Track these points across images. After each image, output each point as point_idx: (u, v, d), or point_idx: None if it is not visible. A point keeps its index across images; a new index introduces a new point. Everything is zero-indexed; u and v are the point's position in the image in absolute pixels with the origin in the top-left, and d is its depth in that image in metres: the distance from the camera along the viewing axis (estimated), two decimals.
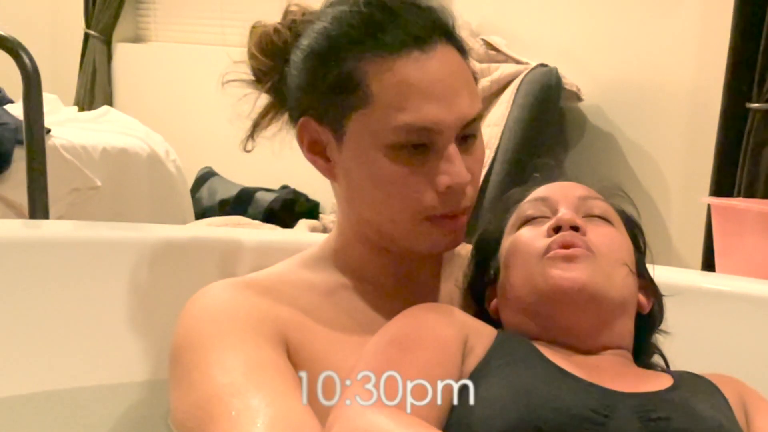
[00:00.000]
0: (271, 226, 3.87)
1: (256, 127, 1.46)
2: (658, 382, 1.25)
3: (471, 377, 1.20)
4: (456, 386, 1.18)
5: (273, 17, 1.45)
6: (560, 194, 1.38)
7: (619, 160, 3.61)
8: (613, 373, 1.24)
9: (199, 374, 1.23)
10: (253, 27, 1.44)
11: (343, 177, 1.38)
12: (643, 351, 1.42)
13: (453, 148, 1.32)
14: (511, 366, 1.20)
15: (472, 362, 1.23)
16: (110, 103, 5.36)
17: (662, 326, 1.45)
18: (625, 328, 1.35)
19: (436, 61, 1.31)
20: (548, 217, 1.35)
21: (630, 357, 1.35)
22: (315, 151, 1.39)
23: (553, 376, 1.19)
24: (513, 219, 1.40)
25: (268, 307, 1.33)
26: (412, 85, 1.29)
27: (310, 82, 1.36)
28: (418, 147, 1.31)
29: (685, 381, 1.28)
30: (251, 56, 1.43)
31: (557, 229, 1.30)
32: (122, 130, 4.22)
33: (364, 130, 1.31)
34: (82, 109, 5.17)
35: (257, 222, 4.02)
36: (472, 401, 1.16)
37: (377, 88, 1.29)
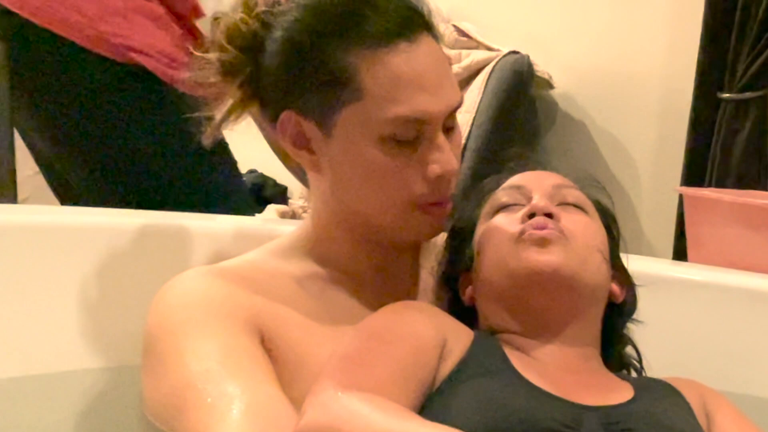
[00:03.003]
0: None
1: (224, 121, 1.42)
2: (623, 393, 1.26)
3: (443, 383, 1.21)
4: (428, 389, 1.19)
5: None
6: (535, 182, 1.39)
7: (591, 149, 3.62)
8: (580, 385, 1.24)
9: (173, 362, 1.23)
10: (215, 18, 1.40)
11: (330, 169, 1.37)
12: (615, 341, 1.43)
13: (442, 138, 1.33)
14: (482, 377, 1.20)
15: (447, 368, 1.23)
16: None
17: (634, 315, 1.45)
18: (596, 319, 1.36)
19: (422, 51, 1.31)
20: (522, 205, 1.35)
21: (598, 357, 1.36)
22: (298, 144, 1.38)
23: (523, 389, 1.19)
24: (487, 207, 1.40)
25: (243, 295, 1.32)
26: (403, 77, 1.29)
27: (293, 78, 1.34)
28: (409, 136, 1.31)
29: (648, 389, 1.29)
30: (220, 48, 1.38)
31: (531, 216, 1.30)
32: None
33: (356, 123, 1.31)
34: None
35: None
36: (441, 410, 1.16)
37: (370, 82, 1.28)
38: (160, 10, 2.18)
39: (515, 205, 1.37)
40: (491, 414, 1.13)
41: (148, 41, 2.11)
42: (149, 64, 2.10)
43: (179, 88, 2.00)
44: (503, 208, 1.37)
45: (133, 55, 2.09)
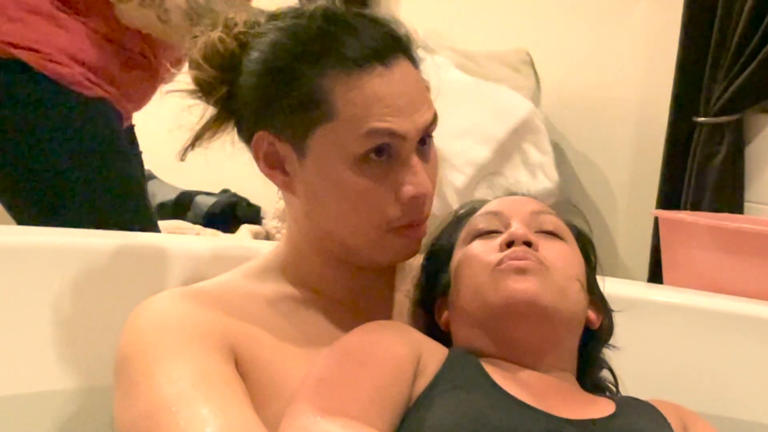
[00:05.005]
0: (213, 231, 3.84)
1: (198, 138, 1.42)
2: (603, 408, 1.25)
3: (420, 398, 1.20)
4: (405, 408, 1.19)
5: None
6: (513, 209, 1.38)
7: (567, 171, 3.62)
8: (560, 399, 1.24)
9: (146, 384, 1.21)
10: (194, 36, 1.40)
11: (304, 190, 1.37)
12: (591, 366, 1.42)
13: (415, 159, 1.33)
14: (459, 390, 1.20)
15: (423, 383, 1.22)
16: None
17: (610, 340, 1.45)
18: (573, 346, 1.36)
19: (398, 75, 1.31)
20: (500, 232, 1.34)
21: (574, 380, 1.35)
22: (272, 165, 1.37)
23: (501, 401, 1.19)
24: (464, 232, 1.40)
25: (216, 318, 1.31)
26: (377, 100, 1.29)
27: (268, 99, 1.33)
28: (382, 155, 1.31)
29: (629, 406, 1.28)
30: (196, 66, 1.38)
31: (509, 244, 1.30)
32: None
33: (328, 144, 1.31)
34: None
35: (198, 227, 3.98)
36: (419, 425, 1.15)
37: (343, 104, 1.29)
38: (61, 14, 2.09)
39: (493, 231, 1.36)
40: (469, 429, 1.12)
41: (38, 38, 2.04)
42: (28, 58, 2.03)
43: (68, 86, 2.03)
44: (480, 234, 1.37)
45: (11, 50, 2.02)
